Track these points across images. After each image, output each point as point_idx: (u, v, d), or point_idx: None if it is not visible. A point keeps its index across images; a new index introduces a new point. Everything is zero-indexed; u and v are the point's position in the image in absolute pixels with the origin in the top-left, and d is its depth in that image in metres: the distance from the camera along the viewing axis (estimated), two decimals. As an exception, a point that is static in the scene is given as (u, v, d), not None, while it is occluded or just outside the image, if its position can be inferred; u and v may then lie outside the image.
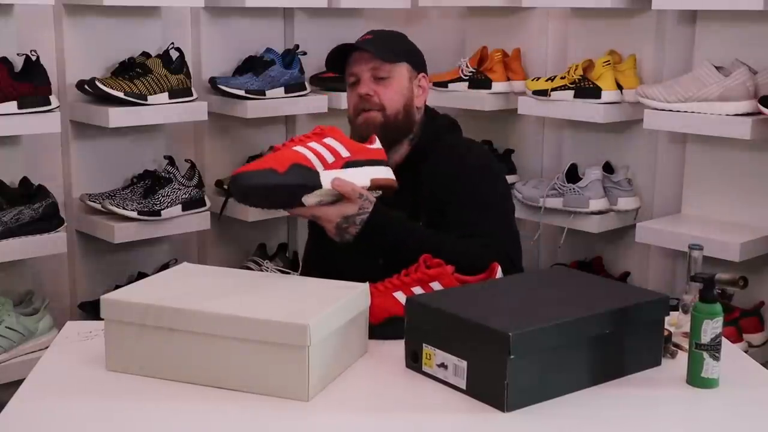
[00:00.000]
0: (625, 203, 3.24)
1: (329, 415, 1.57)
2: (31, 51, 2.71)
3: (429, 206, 2.22)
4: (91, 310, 2.94)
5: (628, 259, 3.38)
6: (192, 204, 3.06)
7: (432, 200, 2.22)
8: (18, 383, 1.69)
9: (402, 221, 2.12)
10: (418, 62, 2.37)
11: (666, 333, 1.81)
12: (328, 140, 2.00)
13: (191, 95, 3.03)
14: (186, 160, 3.13)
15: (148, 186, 3.00)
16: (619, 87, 3.15)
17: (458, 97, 3.49)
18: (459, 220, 2.18)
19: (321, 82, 3.45)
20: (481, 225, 2.17)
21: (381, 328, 1.86)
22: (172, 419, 1.56)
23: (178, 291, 1.74)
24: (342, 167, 1.99)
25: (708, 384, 1.67)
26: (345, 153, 2.01)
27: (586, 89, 3.14)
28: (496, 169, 2.36)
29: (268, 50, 3.29)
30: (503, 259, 2.03)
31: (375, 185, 2.04)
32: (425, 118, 2.37)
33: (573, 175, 3.26)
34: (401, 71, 2.30)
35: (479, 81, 3.47)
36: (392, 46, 2.33)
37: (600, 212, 3.21)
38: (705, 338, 1.65)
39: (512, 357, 1.54)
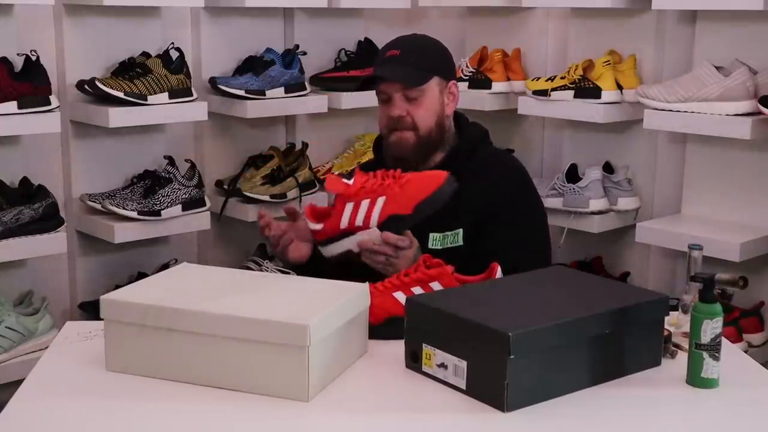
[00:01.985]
0: (625, 203, 3.24)
1: (329, 415, 1.57)
2: (31, 51, 2.71)
3: (469, 218, 2.24)
4: (91, 310, 2.94)
5: (628, 259, 3.38)
6: (192, 204, 3.05)
7: (472, 213, 2.25)
8: (18, 383, 1.69)
9: None
10: (447, 70, 2.35)
11: (666, 333, 1.81)
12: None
13: (191, 95, 3.03)
14: (186, 160, 3.13)
15: (148, 186, 2.99)
16: (619, 87, 3.14)
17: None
18: (495, 238, 2.22)
19: (321, 82, 3.45)
20: (516, 244, 2.22)
21: (380, 328, 1.86)
22: (172, 419, 1.56)
23: (178, 291, 1.74)
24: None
25: (708, 384, 1.67)
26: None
27: (586, 89, 3.14)
28: (531, 183, 2.39)
29: (268, 50, 3.29)
30: None
31: None
32: (457, 126, 2.38)
33: (573, 175, 3.26)
34: (432, 86, 2.28)
35: (479, 81, 3.47)
36: (421, 60, 2.29)
37: (600, 212, 3.21)
38: (705, 338, 1.65)
39: (512, 357, 1.54)
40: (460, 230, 2.25)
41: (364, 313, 1.81)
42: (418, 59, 2.28)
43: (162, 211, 2.96)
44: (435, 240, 2.25)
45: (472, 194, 2.26)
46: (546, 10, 3.52)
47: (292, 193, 3.26)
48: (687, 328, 1.72)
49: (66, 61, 2.97)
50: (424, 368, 1.70)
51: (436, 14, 3.87)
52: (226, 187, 3.27)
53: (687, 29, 3.13)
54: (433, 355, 1.67)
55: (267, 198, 3.20)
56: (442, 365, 1.66)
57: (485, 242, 2.23)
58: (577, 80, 3.17)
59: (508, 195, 2.28)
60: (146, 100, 2.90)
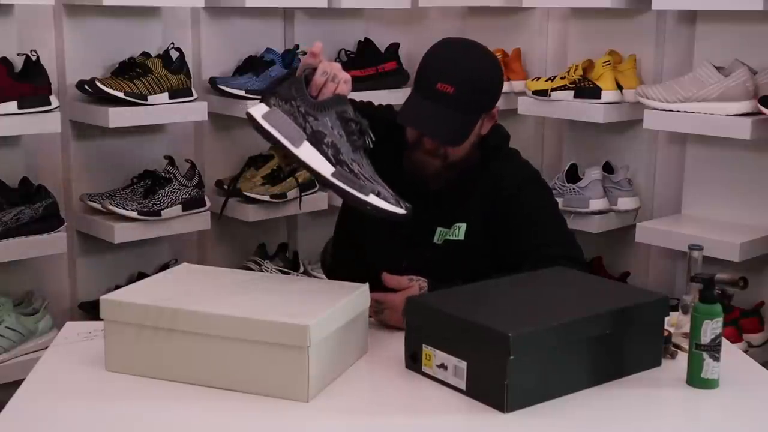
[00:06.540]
0: (625, 203, 3.24)
1: (329, 415, 1.57)
2: (31, 51, 2.71)
3: (478, 216, 2.14)
4: (91, 310, 2.94)
5: (628, 259, 3.38)
6: (192, 204, 3.05)
7: (482, 210, 2.14)
8: (18, 383, 1.69)
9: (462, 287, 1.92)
10: (495, 99, 2.11)
11: (666, 333, 1.81)
12: None
13: (191, 95, 3.03)
14: (186, 160, 3.13)
15: (148, 186, 3.00)
16: (619, 87, 3.14)
17: (458, 97, 3.49)
18: (537, 239, 2.10)
19: (321, 82, 3.44)
20: (555, 240, 2.12)
21: None
22: (172, 419, 1.56)
23: (178, 291, 1.74)
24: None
25: (708, 384, 1.67)
26: None
27: (586, 89, 3.14)
28: (544, 181, 2.30)
29: (268, 50, 3.29)
30: (581, 265, 2.06)
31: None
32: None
33: (573, 175, 3.26)
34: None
35: (479, 81, 3.47)
36: (474, 102, 2.04)
37: (600, 212, 3.21)
38: (705, 339, 1.65)
39: (512, 357, 1.54)
40: (464, 225, 2.13)
41: (364, 313, 1.81)
42: (472, 101, 2.02)
43: (162, 211, 2.96)
44: (440, 235, 2.15)
45: (483, 191, 2.15)
46: (546, 10, 3.52)
47: (293, 194, 3.26)
48: (687, 329, 1.72)
49: (66, 61, 2.97)
50: (424, 369, 1.70)
51: (436, 14, 3.87)
52: (226, 187, 3.27)
53: (687, 29, 3.13)
54: (433, 356, 1.67)
55: (267, 198, 3.21)
56: (442, 366, 1.66)
57: (520, 242, 2.10)
58: (577, 80, 3.17)
59: (528, 198, 2.15)
60: (146, 100, 2.90)
